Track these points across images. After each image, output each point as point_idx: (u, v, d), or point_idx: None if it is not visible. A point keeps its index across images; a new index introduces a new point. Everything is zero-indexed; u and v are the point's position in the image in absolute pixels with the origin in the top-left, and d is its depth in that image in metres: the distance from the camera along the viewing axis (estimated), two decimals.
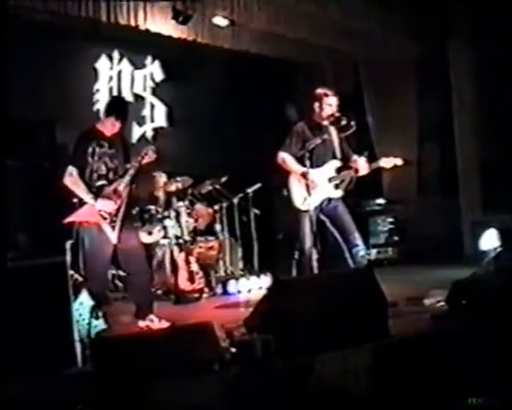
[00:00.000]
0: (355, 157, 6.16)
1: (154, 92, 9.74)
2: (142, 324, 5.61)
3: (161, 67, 9.70)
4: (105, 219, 5.46)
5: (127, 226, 5.66)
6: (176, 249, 7.70)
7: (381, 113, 9.99)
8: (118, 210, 5.54)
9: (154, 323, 5.58)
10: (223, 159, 9.14)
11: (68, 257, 4.62)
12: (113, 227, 5.50)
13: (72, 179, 5.46)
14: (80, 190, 5.45)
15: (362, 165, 6.05)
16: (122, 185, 5.55)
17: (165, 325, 5.53)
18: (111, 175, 5.58)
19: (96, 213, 5.43)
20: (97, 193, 5.46)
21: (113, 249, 5.60)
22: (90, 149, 5.50)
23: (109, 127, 5.68)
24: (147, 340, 3.98)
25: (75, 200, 6.01)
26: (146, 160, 5.62)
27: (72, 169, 5.46)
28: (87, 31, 7.99)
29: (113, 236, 5.50)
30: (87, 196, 5.44)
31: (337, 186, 6.09)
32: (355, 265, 5.81)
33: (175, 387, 3.35)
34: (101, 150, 5.55)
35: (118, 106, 5.90)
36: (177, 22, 7.77)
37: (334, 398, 3.13)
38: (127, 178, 5.57)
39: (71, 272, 4.95)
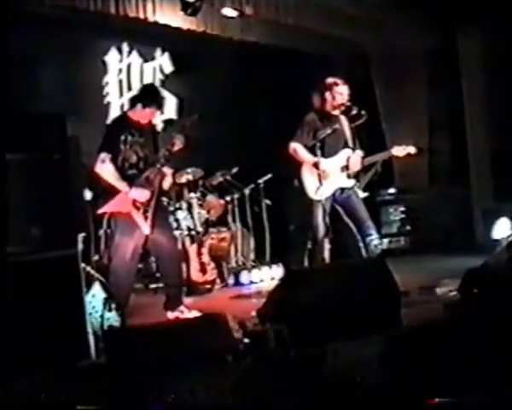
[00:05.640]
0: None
1: (164, 84, 9.72)
2: (171, 315, 5.49)
3: (171, 59, 9.69)
4: (138, 209, 5.31)
5: (159, 216, 5.51)
6: (188, 241, 7.70)
7: (391, 102, 9.94)
8: (150, 199, 5.39)
9: (185, 313, 5.46)
10: (233, 150, 9.13)
11: (80, 249, 4.59)
12: (146, 217, 5.34)
13: (104, 167, 5.26)
14: (113, 177, 5.26)
15: (354, 161, 6.03)
16: (153, 174, 5.43)
17: (195, 315, 5.37)
18: (141, 164, 5.41)
19: (128, 202, 5.27)
20: (130, 182, 5.30)
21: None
22: (122, 137, 5.32)
23: (145, 116, 5.51)
24: (160, 331, 3.99)
25: (88, 195, 5.99)
26: (176, 148, 5.45)
27: (104, 156, 5.26)
28: (96, 24, 7.99)
29: (145, 226, 5.34)
30: (121, 185, 5.27)
31: (349, 176, 6.08)
32: (368, 254, 5.80)
33: (188, 378, 3.36)
34: (133, 139, 5.37)
35: (154, 94, 5.71)
36: (185, 14, 7.75)
37: (346, 387, 3.12)
38: (158, 167, 5.44)
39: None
